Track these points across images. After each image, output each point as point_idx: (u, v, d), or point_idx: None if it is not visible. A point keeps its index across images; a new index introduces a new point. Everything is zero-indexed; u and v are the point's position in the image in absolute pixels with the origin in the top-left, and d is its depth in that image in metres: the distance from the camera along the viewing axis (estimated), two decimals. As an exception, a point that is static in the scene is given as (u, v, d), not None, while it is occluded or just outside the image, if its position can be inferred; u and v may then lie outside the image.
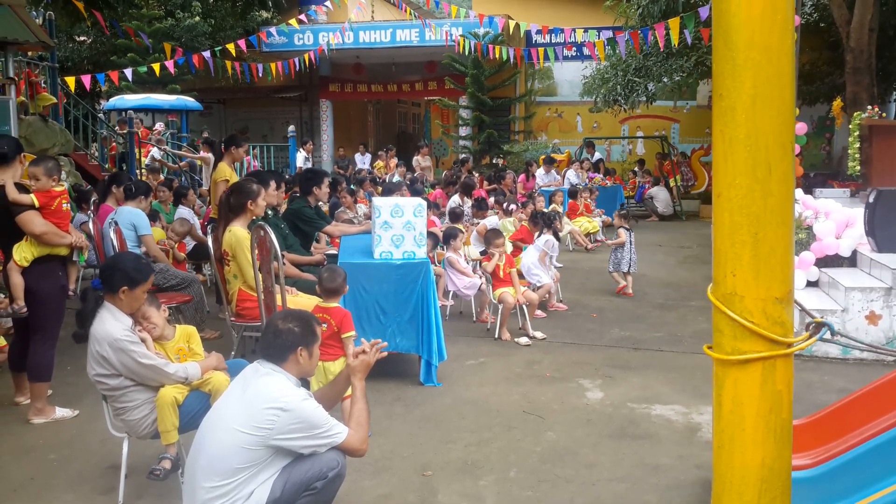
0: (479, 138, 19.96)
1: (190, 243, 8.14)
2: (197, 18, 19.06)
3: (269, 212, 6.25)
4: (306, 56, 15.41)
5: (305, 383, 3.35)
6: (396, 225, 5.53)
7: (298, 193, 7.22)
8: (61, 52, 17.33)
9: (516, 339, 6.71)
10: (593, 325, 7.34)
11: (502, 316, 6.81)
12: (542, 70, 20.68)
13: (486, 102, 19.83)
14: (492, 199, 10.43)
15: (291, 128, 17.97)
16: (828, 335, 1.77)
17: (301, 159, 17.29)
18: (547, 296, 7.64)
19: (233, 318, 5.36)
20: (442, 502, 3.77)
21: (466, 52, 16.18)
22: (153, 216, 7.59)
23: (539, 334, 6.82)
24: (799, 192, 7.82)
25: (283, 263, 4.99)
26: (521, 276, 7.31)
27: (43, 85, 11.30)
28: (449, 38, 17.34)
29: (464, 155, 18.19)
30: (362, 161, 19.76)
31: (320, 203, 7.21)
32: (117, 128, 14.64)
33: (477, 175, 14.65)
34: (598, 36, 14.05)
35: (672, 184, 17.09)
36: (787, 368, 1.70)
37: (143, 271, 3.78)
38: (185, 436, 3.62)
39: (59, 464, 4.23)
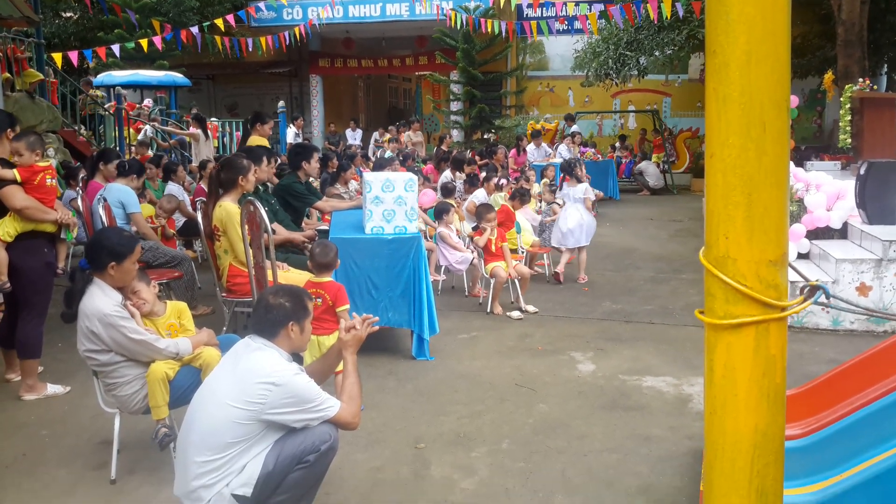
0: (471, 113, 19.86)
1: (180, 219, 8.10)
2: (184, -7, 18.81)
3: (260, 187, 6.21)
4: (296, 30, 15.25)
5: (298, 358, 3.34)
6: (387, 200, 5.50)
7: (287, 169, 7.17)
8: (47, 29, 17.02)
9: (508, 314, 6.71)
10: (585, 299, 7.35)
11: (494, 290, 6.81)
12: (533, 44, 20.56)
13: (477, 77, 19.71)
14: (483, 175, 10.39)
15: (281, 103, 17.78)
16: (822, 299, 1.74)
17: (291, 135, 17.17)
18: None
19: (224, 294, 5.34)
20: (435, 474, 3.78)
21: (457, 26, 16.04)
22: (140, 193, 7.52)
23: (531, 308, 6.83)
24: (790, 165, 7.82)
25: (274, 233, 4.95)
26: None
27: (29, 62, 11.14)
28: (440, 12, 17.20)
29: (454, 132, 18.10)
30: (353, 137, 19.65)
31: (310, 179, 7.16)
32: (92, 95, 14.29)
33: (469, 151, 14.60)
34: (590, 9, 13.95)
35: (654, 160, 17.10)
36: (780, 332, 1.66)
37: (127, 244, 3.74)
38: (177, 411, 3.62)
39: (52, 440, 4.23)
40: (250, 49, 14.37)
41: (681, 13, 13.11)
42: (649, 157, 17.39)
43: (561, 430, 4.31)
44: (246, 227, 4.91)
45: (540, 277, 8.20)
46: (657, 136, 17.71)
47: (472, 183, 9.23)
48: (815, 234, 7.11)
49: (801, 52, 15.47)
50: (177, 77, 17.08)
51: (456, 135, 20.47)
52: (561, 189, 8.61)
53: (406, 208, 5.53)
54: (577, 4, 13.77)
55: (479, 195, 8.48)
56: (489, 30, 14.33)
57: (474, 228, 7.21)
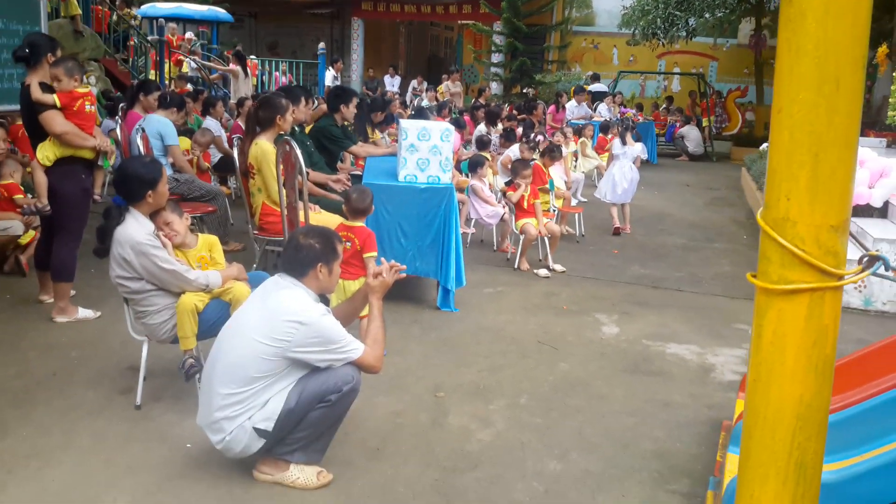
0: (512, 66, 19.57)
1: (216, 155, 8.13)
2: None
3: (297, 128, 6.20)
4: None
5: (325, 300, 3.37)
6: (423, 148, 5.46)
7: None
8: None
9: (535, 271, 6.69)
10: (614, 262, 7.30)
11: (523, 246, 6.78)
12: (581, -3, 20.12)
13: (520, 29, 19.36)
14: (520, 130, 10.27)
15: (322, 45, 17.67)
16: (881, 270, 1.66)
17: (330, 78, 17.07)
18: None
19: (255, 232, 5.38)
20: (452, 423, 3.82)
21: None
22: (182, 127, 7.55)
23: (559, 267, 6.79)
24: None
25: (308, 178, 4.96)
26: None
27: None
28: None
29: (493, 84, 17.81)
30: (391, 83, 19.47)
31: (346, 123, 7.13)
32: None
33: (507, 106, 14.41)
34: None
35: (704, 124, 16.73)
36: (835, 302, 1.60)
37: (154, 168, 3.76)
38: (204, 343, 3.68)
39: (80, 361, 4.33)
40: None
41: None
42: (700, 120, 17.00)
43: (581, 389, 4.32)
44: (281, 166, 4.92)
45: (570, 237, 8.15)
46: (701, 99, 17.33)
47: (508, 138, 9.14)
48: (854, 211, 6.96)
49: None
50: (220, 12, 17.01)
51: (495, 87, 20.21)
52: (619, 146, 8.78)
53: (441, 158, 5.49)
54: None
55: (515, 150, 8.40)
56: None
57: (507, 183, 7.16)
